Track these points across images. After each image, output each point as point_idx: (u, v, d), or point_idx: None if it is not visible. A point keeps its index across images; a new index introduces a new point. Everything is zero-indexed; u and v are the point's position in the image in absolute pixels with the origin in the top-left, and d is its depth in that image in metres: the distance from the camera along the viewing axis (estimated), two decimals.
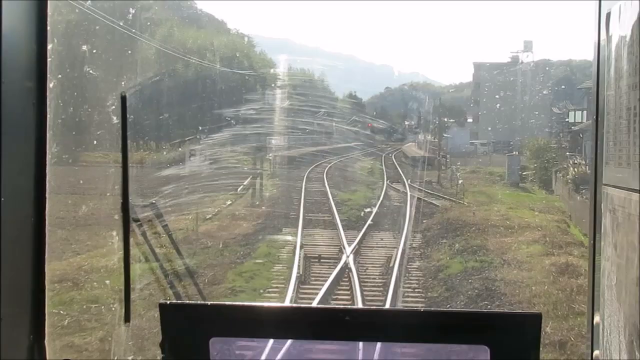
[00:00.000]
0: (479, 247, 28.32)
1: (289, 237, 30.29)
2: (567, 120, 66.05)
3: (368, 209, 37.09)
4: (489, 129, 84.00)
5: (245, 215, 34.60)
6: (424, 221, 33.98)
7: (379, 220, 34.32)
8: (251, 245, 29.13)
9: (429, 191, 44.23)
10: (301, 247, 27.93)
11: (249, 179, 43.10)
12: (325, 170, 53.73)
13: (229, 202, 36.66)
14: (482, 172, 59.83)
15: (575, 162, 44.97)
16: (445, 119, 76.87)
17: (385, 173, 54.95)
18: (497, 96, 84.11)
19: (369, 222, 33.15)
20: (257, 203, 38.55)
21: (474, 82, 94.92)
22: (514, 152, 60.04)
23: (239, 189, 39.65)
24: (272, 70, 70.76)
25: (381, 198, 41.13)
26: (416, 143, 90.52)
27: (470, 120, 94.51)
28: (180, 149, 48.16)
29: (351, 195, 42.79)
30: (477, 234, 30.57)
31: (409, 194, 41.23)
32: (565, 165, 45.92)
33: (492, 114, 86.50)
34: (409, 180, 47.92)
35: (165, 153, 45.99)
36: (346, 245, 28.19)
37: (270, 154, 53.43)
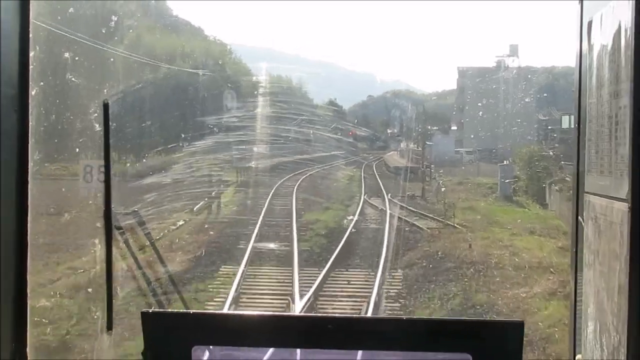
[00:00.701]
0: (483, 306, 21.38)
1: (224, 281, 23.82)
2: (558, 127, 65.29)
3: (337, 235, 30.17)
4: (472, 136, 79.57)
5: (184, 244, 29.50)
6: (406, 253, 26.70)
7: (349, 251, 26.97)
8: (171, 294, 24.39)
9: (411, 208, 36.16)
10: (235, 299, 21.16)
11: (208, 195, 41.40)
12: (298, 184, 48.98)
13: (180, 223, 32.78)
14: (470, 183, 54.33)
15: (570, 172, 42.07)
16: (429, 127, 74.78)
17: (363, 186, 50.23)
18: (479, 104, 79.87)
19: (335, 254, 25.61)
20: (207, 227, 33.93)
21: (458, 88, 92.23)
22: (505, 161, 55.03)
23: (195, 208, 36.51)
24: (253, 78, 70.60)
25: (355, 218, 33.13)
26: (398, 152, 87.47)
27: (454, 127, 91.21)
28: (162, 157, 48.12)
29: (320, 215, 34.66)
30: (477, 280, 23.36)
31: (388, 212, 33.41)
32: (560, 176, 40.98)
33: (475, 121, 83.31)
34: (390, 195, 41.82)
35: (146, 161, 45.89)
36: (297, 297, 21.11)
37: (243, 164, 53.18)
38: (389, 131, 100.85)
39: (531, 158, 49.65)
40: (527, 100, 77.37)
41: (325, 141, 73.36)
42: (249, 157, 55.64)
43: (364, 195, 44.36)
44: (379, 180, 53.28)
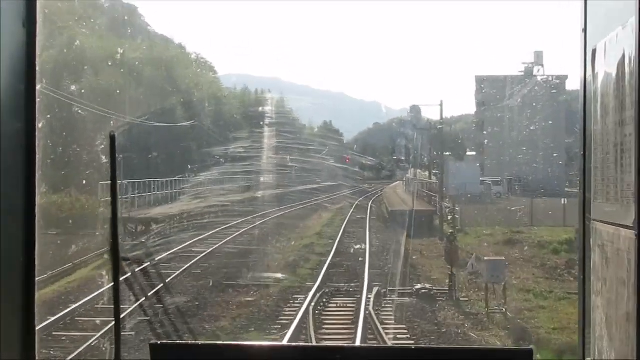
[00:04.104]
0: None
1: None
2: None
3: None
4: (496, 161, 67.50)
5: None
6: None
7: None
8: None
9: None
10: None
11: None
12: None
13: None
14: (527, 242, 35.37)
15: None
16: (440, 152, 55.51)
17: (329, 263, 30.81)
18: (502, 118, 69.32)
19: None
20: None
21: (476, 101, 78.08)
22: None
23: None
24: (260, 109, 70.55)
25: None
26: (404, 182, 72.81)
27: (471, 152, 76.00)
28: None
29: None
30: None
31: None
32: None
33: (501, 142, 69.70)
34: (375, 294, 24.01)
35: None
36: None
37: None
38: (394, 158, 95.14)
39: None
40: (561, 113, 65.95)
41: (318, 171, 69.43)
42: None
43: (316, 298, 23.79)
44: (367, 245, 35.73)
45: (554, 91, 69.13)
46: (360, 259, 31.81)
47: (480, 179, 62.42)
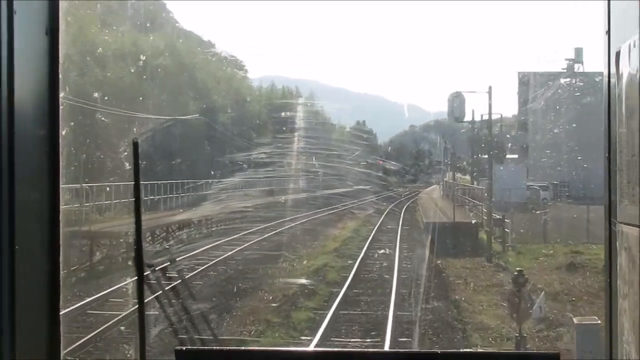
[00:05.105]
0: None
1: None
2: None
3: None
4: (538, 163, 62.99)
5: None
6: None
7: None
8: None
9: None
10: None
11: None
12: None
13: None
14: (591, 266, 29.33)
15: None
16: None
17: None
18: (548, 117, 64.44)
19: None
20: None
21: (519, 100, 73.39)
22: None
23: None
24: (293, 113, 70.31)
25: None
26: (442, 187, 68.24)
27: (511, 155, 68.66)
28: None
29: None
30: None
31: None
32: None
33: (543, 141, 64.92)
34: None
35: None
36: None
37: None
38: (429, 160, 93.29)
39: None
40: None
41: (350, 174, 68.25)
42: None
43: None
44: (395, 273, 28.71)
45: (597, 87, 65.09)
46: (385, 289, 25.95)
47: (527, 183, 56.47)
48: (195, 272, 27.77)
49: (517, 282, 19.31)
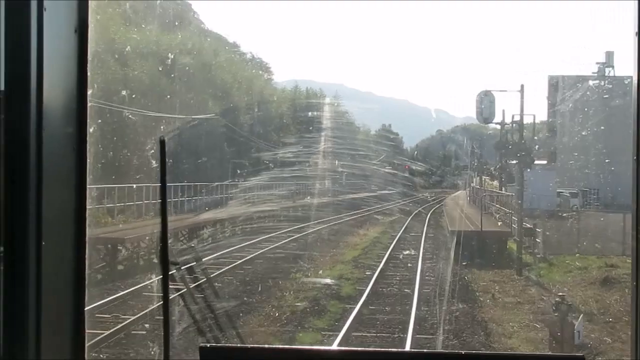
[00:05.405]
0: None
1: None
2: None
3: None
4: (568, 169, 59.73)
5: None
6: None
7: None
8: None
9: None
10: None
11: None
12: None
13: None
14: (628, 282, 17.42)
15: None
16: (507, 161, 48.71)
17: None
18: (579, 122, 61.45)
19: None
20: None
21: (548, 103, 70.37)
22: None
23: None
24: (321, 114, 70.17)
25: None
26: (468, 192, 66.33)
27: (540, 161, 62.61)
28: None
29: None
30: None
31: None
32: None
33: (571, 144, 62.55)
34: None
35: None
36: None
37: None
38: (456, 164, 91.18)
39: None
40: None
41: (375, 177, 67.65)
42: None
43: None
44: (416, 289, 26.08)
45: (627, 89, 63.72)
46: (404, 306, 23.58)
47: (557, 190, 54.39)
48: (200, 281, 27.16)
49: (560, 310, 17.77)
